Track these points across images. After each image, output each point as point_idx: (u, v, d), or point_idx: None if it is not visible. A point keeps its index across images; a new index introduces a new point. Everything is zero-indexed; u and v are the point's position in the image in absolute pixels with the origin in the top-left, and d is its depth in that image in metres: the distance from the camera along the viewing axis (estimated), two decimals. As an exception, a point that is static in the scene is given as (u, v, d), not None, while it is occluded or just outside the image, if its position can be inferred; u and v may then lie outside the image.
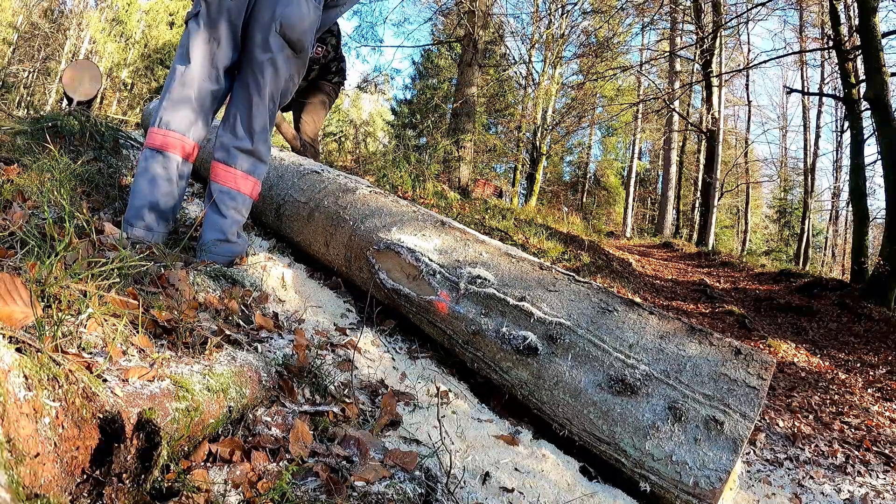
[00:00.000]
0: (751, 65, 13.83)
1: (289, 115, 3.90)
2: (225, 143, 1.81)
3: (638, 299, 5.19)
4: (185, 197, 2.74)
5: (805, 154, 16.93)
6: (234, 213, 1.82)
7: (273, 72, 1.77)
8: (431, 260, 1.66)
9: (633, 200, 22.13)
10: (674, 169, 17.51)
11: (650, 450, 1.19)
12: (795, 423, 2.61)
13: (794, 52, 13.40)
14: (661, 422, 1.19)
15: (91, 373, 0.70)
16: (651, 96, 15.88)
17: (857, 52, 8.09)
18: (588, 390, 1.29)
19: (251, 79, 1.77)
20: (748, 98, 17.00)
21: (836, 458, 2.15)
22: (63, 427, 0.58)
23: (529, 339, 1.39)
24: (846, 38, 8.52)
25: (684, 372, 1.22)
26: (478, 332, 1.50)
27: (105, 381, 0.73)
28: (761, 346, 4.41)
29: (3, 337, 0.58)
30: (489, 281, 1.53)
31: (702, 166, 14.28)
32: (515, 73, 16.63)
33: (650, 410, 1.21)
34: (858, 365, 4.27)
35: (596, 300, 1.42)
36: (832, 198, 17.90)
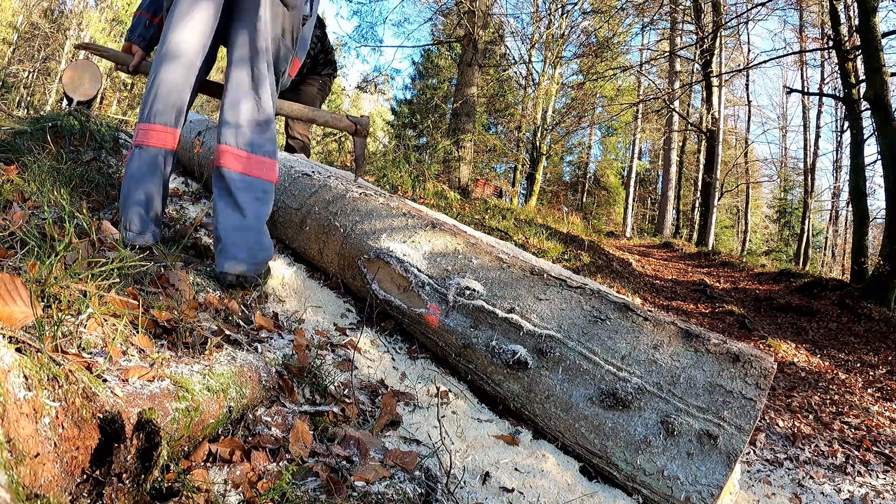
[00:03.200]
0: (751, 65, 13.83)
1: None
2: (229, 120, 1.60)
3: (637, 300, 5.19)
4: (184, 197, 2.73)
5: (805, 154, 16.93)
6: (257, 204, 1.60)
7: (265, 30, 1.61)
8: (420, 271, 1.63)
9: (633, 200, 22.12)
10: (674, 169, 17.51)
11: (642, 464, 1.18)
12: (795, 423, 2.61)
13: (794, 52, 13.40)
14: (653, 436, 1.17)
15: (91, 373, 0.70)
16: (651, 96, 15.87)
17: (857, 52, 8.09)
18: (579, 405, 1.28)
19: (248, 45, 1.61)
20: (748, 98, 17.00)
21: (836, 458, 2.15)
22: (63, 427, 0.58)
23: (519, 353, 1.37)
24: (846, 38, 8.51)
25: (678, 384, 1.20)
26: (468, 345, 1.48)
27: (105, 381, 0.73)
28: (761, 346, 4.41)
29: (3, 337, 0.58)
30: (478, 292, 1.50)
31: (702, 166, 14.29)
32: (515, 73, 16.63)
33: (642, 425, 1.19)
34: (858, 365, 4.27)
35: (588, 308, 1.38)
36: (832, 198, 17.90)
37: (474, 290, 1.51)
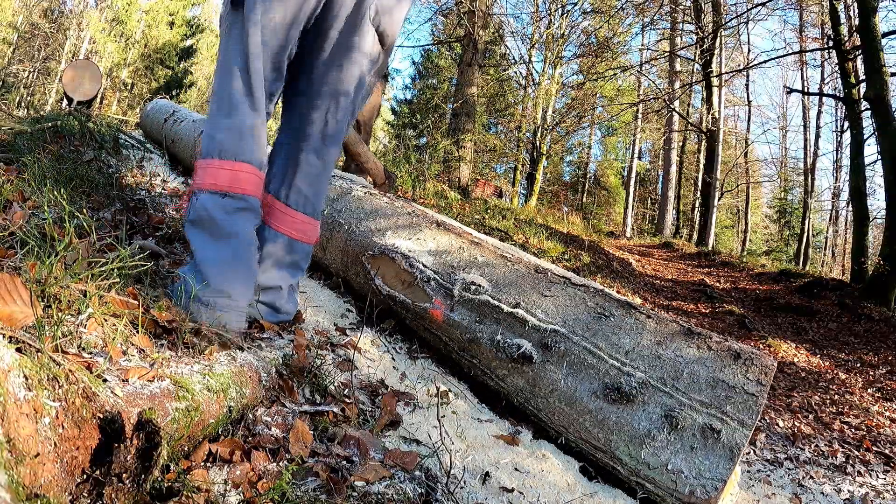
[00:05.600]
0: (751, 65, 13.83)
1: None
2: (286, 172, 1.39)
3: (638, 300, 5.19)
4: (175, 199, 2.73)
5: (805, 154, 16.94)
6: (289, 268, 1.42)
7: (357, 71, 1.36)
8: (426, 266, 1.64)
9: (633, 200, 22.13)
10: (674, 169, 17.50)
11: (646, 458, 1.18)
12: (795, 423, 2.61)
13: (794, 52, 13.41)
14: (657, 430, 1.18)
15: (91, 373, 0.70)
16: (651, 96, 15.88)
17: (857, 52, 8.10)
18: (583, 399, 1.28)
19: (326, 83, 1.35)
20: (748, 98, 17.00)
21: (836, 458, 2.15)
22: (63, 427, 0.58)
23: (524, 347, 1.38)
24: (846, 38, 8.52)
25: (681, 379, 1.21)
26: (473, 339, 1.49)
27: (105, 381, 0.73)
28: (761, 346, 4.41)
29: (3, 337, 0.58)
30: (483, 287, 1.51)
31: (702, 166, 14.29)
32: (515, 73, 16.65)
33: (646, 419, 1.20)
34: (858, 365, 4.27)
35: (592, 304, 1.40)
36: (832, 198, 17.91)
37: (480, 285, 1.52)
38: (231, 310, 1.18)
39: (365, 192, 2.07)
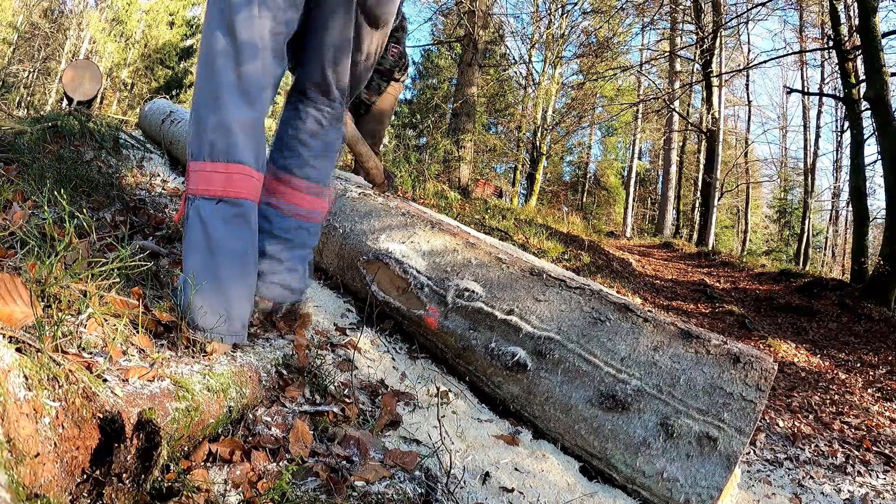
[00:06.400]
0: (751, 65, 13.83)
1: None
2: (293, 146, 1.39)
3: (638, 300, 5.18)
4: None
5: (805, 154, 16.93)
6: (301, 249, 1.43)
7: (347, 52, 1.36)
8: (419, 272, 1.62)
9: (633, 200, 22.12)
10: (674, 169, 17.49)
11: (641, 466, 1.18)
12: (795, 423, 2.61)
13: (794, 52, 13.41)
14: (653, 438, 1.17)
15: (91, 373, 0.70)
16: (651, 96, 15.88)
17: (857, 52, 8.10)
18: (578, 406, 1.28)
19: (320, 62, 1.35)
20: (748, 98, 16.99)
21: (836, 458, 2.15)
22: (63, 427, 0.58)
23: (518, 355, 1.37)
24: (846, 38, 8.52)
25: (678, 386, 1.19)
26: (467, 347, 1.48)
27: (105, 381, 0.73)
28: (761, 346, 4.41)
29: (3, 337, 0.58)
30: (477, 293, 1.50)
31: (702, 166, 14.28)
32: (515, 73, 16.65)
33: (641, 427, 1.19)
34: (858, 365, 4.27)
35: (587, 309, 1.38)
36: (832, 198, 17.90)
37: (473, 291, 1.51)
38: (228, 335, 1.11)
39: (360, 193, 2.05)
